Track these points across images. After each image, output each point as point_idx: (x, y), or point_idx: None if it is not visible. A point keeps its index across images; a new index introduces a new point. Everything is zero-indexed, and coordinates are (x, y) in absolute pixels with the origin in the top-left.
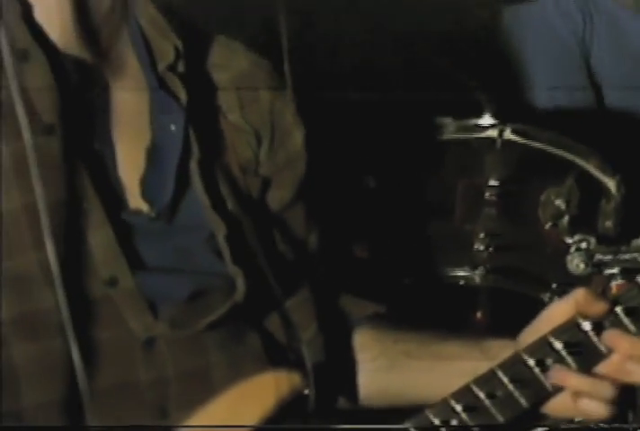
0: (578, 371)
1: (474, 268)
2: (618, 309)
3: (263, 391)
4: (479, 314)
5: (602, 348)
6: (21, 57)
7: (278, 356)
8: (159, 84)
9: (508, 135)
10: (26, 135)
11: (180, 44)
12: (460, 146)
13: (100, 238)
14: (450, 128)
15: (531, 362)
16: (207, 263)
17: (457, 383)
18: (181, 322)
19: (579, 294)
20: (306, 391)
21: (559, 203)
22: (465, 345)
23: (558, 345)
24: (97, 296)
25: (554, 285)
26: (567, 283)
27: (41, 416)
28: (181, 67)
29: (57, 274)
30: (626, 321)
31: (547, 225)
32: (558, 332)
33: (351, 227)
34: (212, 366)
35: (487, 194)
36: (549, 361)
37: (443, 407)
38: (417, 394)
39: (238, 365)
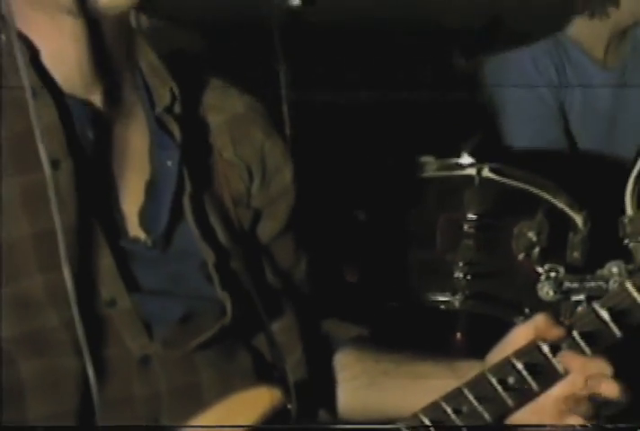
0: (537, 389)
1: (454, 293)
2: (575, 333)
3: (249, 405)
4: (458, 336)
5: (560, 369)
6: (25, 97)
7: (265, 373)
8: (157, 125)
9: (486, 173)
10: (47, 170)
11: (176, 88)
12: (441, 183)
13: (101, 263)
14: (433, 166)
15: (494, 380)
16: (198, 288)
17: (429, 400)
18: (173, 342)
19: (538, 320)
20: (289, 406)
21: (531, 235)
22: (437, 365)
23: (519, 365)
24: (98, 316)
25: (526, 310)
26: (538, 308)
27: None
28: (177, 109)
29: (72, 296)
30: (582, 344)
31: (520, 256)
32: (520, 354)
33: (341, 255)
34: (203, 383)
35: (466, 227)
36: (511, 380)
37: (414, 421)
38: (393, 410)
39: (228, 382)
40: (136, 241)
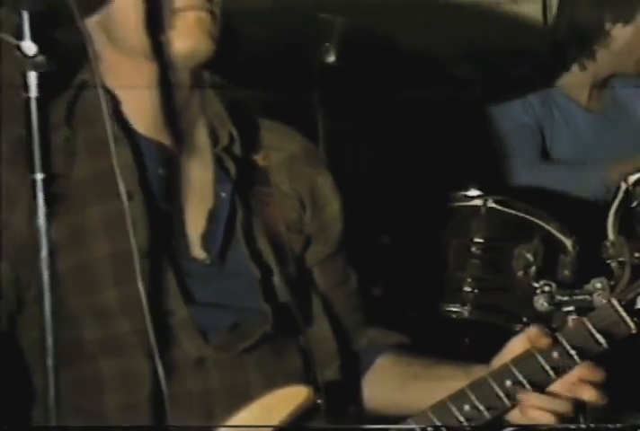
0: (532, 391)
1: (463, 305)
2: (565, 342)
3: (283, 401)
4: (467, 341)
5: (552, 374)
6: (107, 142)
7: (304, 374)
8: (218, 162)
9: (490, 204)
10: (125, 201)
11: (234, 131)
12: (452, 212)
13: (165, 279)
14: None
15: (494, 384)
16: (245, 300)
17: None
18: (224, 346)
19: (531, 331)
20: (319, 401)
21: (528, 256)
22: (455, 368)
23: (515, 370)
24: (161, 324)
25: (524, 319)
26: (534, 317)
27: (123, 416)
28: (235, 149)
29: (145, 306)
30: (572, 352)
31: (519, 273)
32: (517, 361)
33: (369, 273)
34: (251, 381)
35: (473, 249)
36: (508, 383)
37: (423, 417)
38: (417, 407)
39: (273, 381)
40: (196, 260)
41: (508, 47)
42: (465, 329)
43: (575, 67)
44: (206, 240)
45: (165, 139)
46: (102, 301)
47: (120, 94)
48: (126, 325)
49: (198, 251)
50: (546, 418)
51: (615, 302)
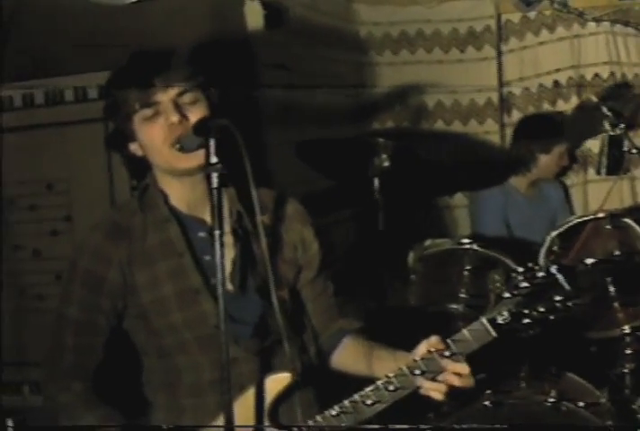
0: (430, 377)
1: (459, 304)
2: (452, 346)
3: (277, 380)
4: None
5: (444, 365)
6: (164, 220)
7: (294, 364)
8: (235, 225)
9: (474, 247)
10: (187, 257)
11: (241, 208)
12: (450, 252)
13: (208, 303)
14: (449, 243)
15: (406, 370)
16: (258, 316)
17: (386, 372)
18: (250, 349)
19: (432, 339)
20: (295, 378)
21: (497, 278)
22: (389, 352)
23: (421, 362)
24: (210, 335)
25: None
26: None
27: (193, 392)
28: (244, 220)
29: (209, 323)
30: (456, 352)
31: (492, 288)
32: (423, 356)
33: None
34: (263, 370)
35: (465, 273)
36: (417, 371)
37: (375, 388)
38: (365, 375)
39: (274, 369)
40: (228, 291)
41: (485, 158)
42: (457, 321)
43: (520, 173)
44: (232, 277)
45: (201, 214)
46: (172, 321)
47: (170, 192)
48: (188, 335)
49: (228, 285)
50: (439, 388)
51: (483, 319)
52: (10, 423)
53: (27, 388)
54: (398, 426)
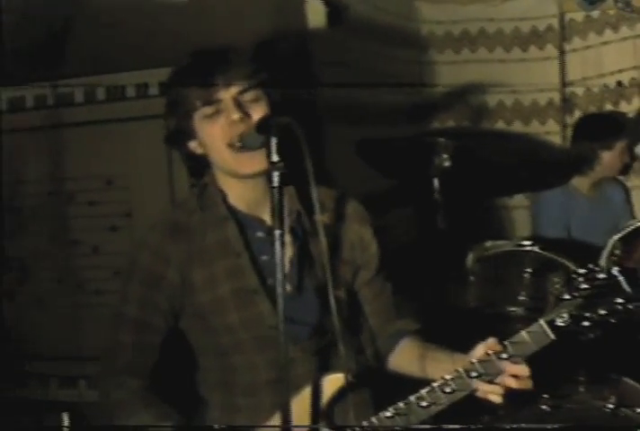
0: (487, 379)
1: (519, 307)
2: (510, 348)
3: (332, 381)
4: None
5: (502, 368)
6: (222, 219)
7: (350, 365)
8: (294, 224)
9: (535, 249)
10: (244, 257)
11: (301, 208)
12: (513, 254)
13: (265, 303)
14: (511, 245)
15: (463, 372)
16: (315, 316)
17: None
18: (307, 349)
19: (490, 341)
20: (350, 379)
21: (558, 280)
22: (446, 354)
23: (478, 365)
24: (267, 335)
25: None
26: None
27: (249, 392)
28: (303, 219)
29: (267, 324)
30: (514, 354)
31: (552, 290)
32: (479, 358)
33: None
34: (316, 370)
35: (526, 276)
36: (473, 373)
37: (430, 390)
38: (421, 375)
39: (330, 370)
40: (286, 291)
41: (547, 158)
42: (516, 323)
43: (583, 174)
44: (290, 277)
45: (260, 214)
46: (228, 321)
47: (229, 192)
48: (244, 335)
49: (286, 285)
50: (494, 397)
51: (542, 321)
52: (65, 420)
53: (83, 382)
54: (451, 427)
